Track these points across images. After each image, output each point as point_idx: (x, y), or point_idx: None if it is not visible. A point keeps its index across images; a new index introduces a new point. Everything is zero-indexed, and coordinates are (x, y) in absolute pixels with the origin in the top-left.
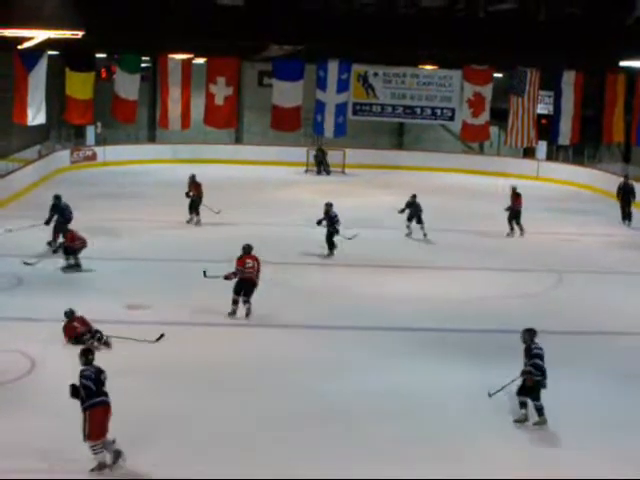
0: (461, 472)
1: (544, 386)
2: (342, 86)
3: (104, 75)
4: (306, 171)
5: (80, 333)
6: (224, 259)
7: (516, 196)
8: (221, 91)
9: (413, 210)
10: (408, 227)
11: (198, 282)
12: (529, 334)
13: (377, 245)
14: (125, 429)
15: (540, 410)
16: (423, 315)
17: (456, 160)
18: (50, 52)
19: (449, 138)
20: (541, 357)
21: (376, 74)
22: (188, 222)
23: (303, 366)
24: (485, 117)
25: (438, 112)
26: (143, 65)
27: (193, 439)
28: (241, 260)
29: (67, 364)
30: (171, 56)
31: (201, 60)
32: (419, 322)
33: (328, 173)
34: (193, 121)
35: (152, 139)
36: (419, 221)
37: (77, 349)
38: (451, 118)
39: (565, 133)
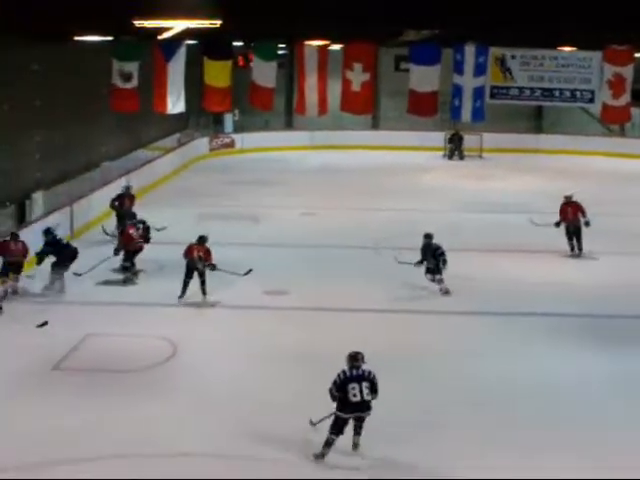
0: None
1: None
2: (479, 69)
3: (241, 63)
4: (444, 156)
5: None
6: (368, 245)
7: (570, 206)
8: (358, 77)
9: (428, 256)
10: (434, 280)
11: (336, 268)
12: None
13: (523, 230)
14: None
15: None
16: (566, 300)
17: (597, 143)
18: (189, 41)
19: (589, 120)
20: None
21: (514, 57)
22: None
23: (447, 352)
24: (626, 98)
25: (577, 94)
26: (280, 52)
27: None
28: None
29: (206, 350)
30: (307, 43)
31: (337, 46)
32: (563, 307)
33: (461, 158)
34: (330, 107)
35: (289, 126)
36: (435, 270)
37: (217, 332)
38: (591, 100)
39: None
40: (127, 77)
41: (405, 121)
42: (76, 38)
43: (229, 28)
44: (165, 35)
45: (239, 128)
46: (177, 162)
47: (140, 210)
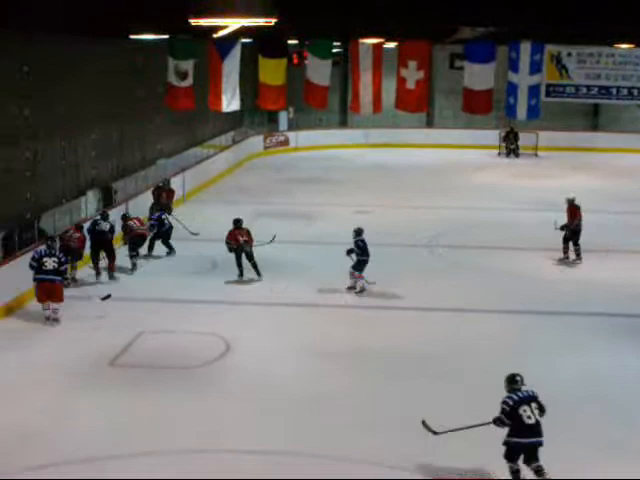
0: None
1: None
2: (535, 67)
3: (296, 61)
4: (499, 154)
5: (138, 234)
6: (421, 243)
7: (573, 210)
8: (412, 75)
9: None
10: (352, 276)
11: (389, 266)
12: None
13: None
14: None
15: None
16: (621, 301)
17: None
18: (243, 40)
19: None
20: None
21: (570, 54)
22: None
23: (495, 351)
24: None
25: (635, 92)
26: (334, 50)
27: (381, 422)
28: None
29: (259, 348)
30: (362, 41)
31: (392, 44)
32: (616, 308)
33: (517, 156)
34: (384, 105)
35: (344, 124)
36: (357, 266)
37: (270, 330)
38: None
39: None
40: (183, 75)
41: (460, 119)
42: (132, 37)
43: (284, 26)
44: (220, 33)
45: (294, 126)
46: (232, 160)
47: (194, 207)
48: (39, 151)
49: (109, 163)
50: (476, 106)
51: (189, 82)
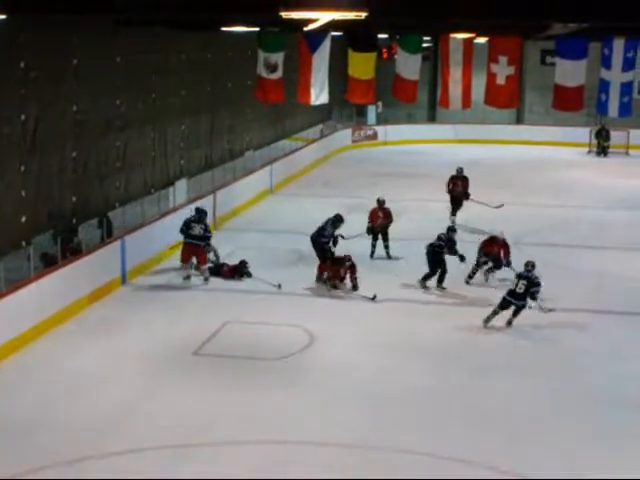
0: None
1: None
2: (628, 64)
3: (385, 55)
4: (589, 152)
5: None
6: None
7: None
8: (503, 70)
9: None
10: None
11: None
12: None
13: None
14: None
15: None
16: None
17: None
18: (333, 33)
19: None
20: None
21: None
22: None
23: (587, 350)
24: None
25: None
26: (424, 45)
27: (463, 417)
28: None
29: (344, 341)
30: (453, 36)
31: (482, 39)
32: None
33: (605, 154)
34: (473, 101)
35: (432, 119)
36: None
37: (355, 323)
38: None
39: None
40: (273, 68)
41: (550, 116)
42: (223, 29)
43: (374, 20)
44: (311, 26)
45: (382, 120)
46: (319, 153)
47: (281, 200)
48: (129, 142)
49: (198, 154)
50: (567, 103)
51: (278, 75)
